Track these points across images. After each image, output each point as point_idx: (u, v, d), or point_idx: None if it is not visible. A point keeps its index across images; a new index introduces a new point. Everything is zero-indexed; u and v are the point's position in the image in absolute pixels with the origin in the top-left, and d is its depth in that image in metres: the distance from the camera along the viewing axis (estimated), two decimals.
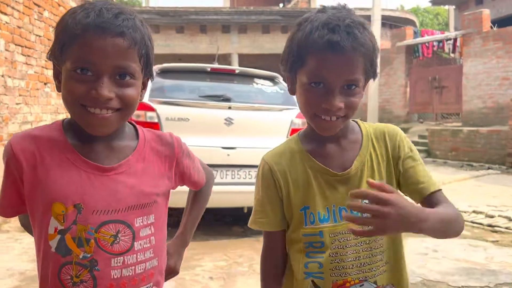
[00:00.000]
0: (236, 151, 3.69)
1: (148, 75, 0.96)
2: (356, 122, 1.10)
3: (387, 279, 1.03)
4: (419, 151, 8.45)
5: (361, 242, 1.00)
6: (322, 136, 1.03)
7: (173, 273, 1.14)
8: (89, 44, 0.82)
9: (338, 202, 1.01)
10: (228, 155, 3.66)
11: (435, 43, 12.91)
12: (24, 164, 0.89)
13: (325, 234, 1.00)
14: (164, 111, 3.69)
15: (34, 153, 0.89)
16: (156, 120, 3.65)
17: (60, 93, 0.89)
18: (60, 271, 0.88)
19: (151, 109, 3.67)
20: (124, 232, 0.92)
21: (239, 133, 3.76)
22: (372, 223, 0.79)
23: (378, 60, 1.08)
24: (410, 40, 13.31)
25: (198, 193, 1.21)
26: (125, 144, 0.97)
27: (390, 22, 16.32)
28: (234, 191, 3.68)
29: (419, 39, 13.39)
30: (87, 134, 0.91)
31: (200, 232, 4.22)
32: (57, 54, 0.87)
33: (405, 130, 11.97)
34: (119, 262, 0.91)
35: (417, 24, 18.32)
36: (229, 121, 3.77)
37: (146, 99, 3.74)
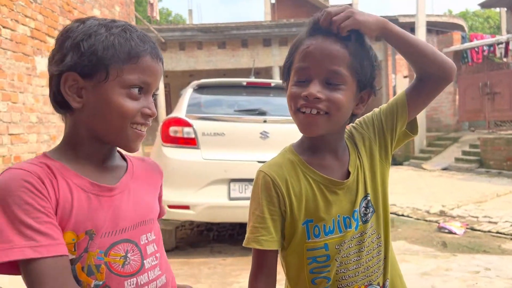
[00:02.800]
0: None
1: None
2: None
3: (384, 275, 1.03)
4: (470, 161, 8.10)
5: (363, 246, 0.99)
6: (323, 148, 1.01)
7: None
8: (150, 67, 0.91)
9: (343, 211, 0.99)
10: None
11: (485, 48, 12.31)
12: (43, 191, 0.80)
13: (330, 247, 0.97)
14: (200, 126, 3.72)
15: (45, 180, 0.82)
16: (193, 136, 3.68)
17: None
18: None
19: (188, 125, 3.70)
20: (133, 251, 0.90)
21: (275, 146, 3.68)
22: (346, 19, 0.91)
23: (378, 77, 1.06)
24: (457, 46, 12.78)
25: None
26: (117, 164, 0.98)
27: (437, 28, 15.80)
28: None
29: (467, 44, 12.83)
30: (81, 156, 0.90)
31: (239, 247, 4.19)
32: (87, 68, 0.85)
33: (455, 140, 11.47)
34: (133, 284, 0.88)
35: (466, 28, 17.60)
36: (264, 135, 3.74)
37: (183, 114, 3.79)
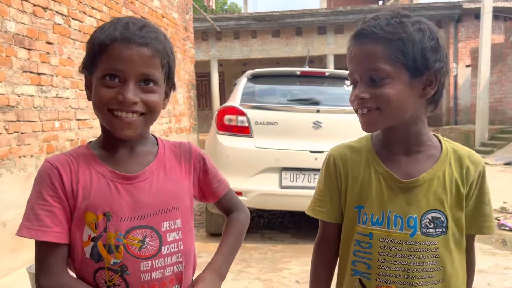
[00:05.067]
0: (324, 155, 3.61)
1: (170, 84, 1.02)
2: (438, 137, 1.05)
3: None
4: None
5: (413, 256, 0.97)
6: (393, 141, 1.02)
7: None
8: (117, 53, 0.90)
9: (395, 209, 0.99)
10: (316, 159, 3.63)
11: None
12: (64, 177, 0.94)
13: (374, 237, 0.99)
14: (254, 115, 3.78)
15: (71, 166, 0.95)
16: (246, 124, 3.75)
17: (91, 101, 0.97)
18: (95, 276, 0.94)
19: (242, 114, 3.78)
20: (151, 237, 0.96)
21: (327, 136, 3.70)
22: None
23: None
24: None
25: (233, 221, 1.16)
26: (147, 150, 1.03)
27: (505, 15, 14.83)
28: None
29: None
30: (112, 145, 0.99)
31: (289, 235, 4.26)
32: (88, 65, 0.95)
33: None
34: (148, 266, 0.95)
35: None
36: (317, 125, 3.74)
37: (237, 103, 3.88)
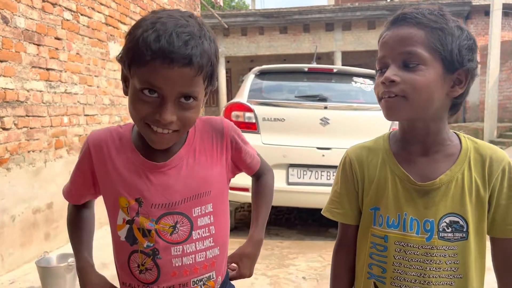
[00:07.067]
0: (331, 152, 3.63)
1: (211, 86, 0.97)
2: (458, 135, 1.01)
3: None
4: None
5: (430, 261, 0.94)
6: (411, 140, 0.98)
7: (241, 277, 1.15)
8: (158, 72, 0.83)
9: (411, 212, 0.96)
10: (323, 155, 3.63)
11: None
12: (94, 158, 0.99)
13: (390, 240, 0.97)
14: (261, 111, 3.78)
15: (103, 150, 0.99)
16: (253, 121, 3.75)
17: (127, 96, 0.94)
18: (129, 259, 0.98)
19: (250, 110, 3.78)
20: (183, 223, 0.97)
21: (335, 133, 3.70)
22: None
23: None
24: None
25: (260, 188, 1.22)
26: None
27: None
28: (329, 192, 3.59)
29: None
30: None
31: (296, 231, 4.26)
32: (125, 65, 0.90)
33: None
34: (179, 251, 0.96)
35: None
36: (325, 121, 3.73)
37: (244, 99, 3.88)
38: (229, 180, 1.09)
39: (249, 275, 1.16)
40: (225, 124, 1.06)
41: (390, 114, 0.94)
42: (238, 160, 1.09)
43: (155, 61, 0.82)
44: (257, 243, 1.16)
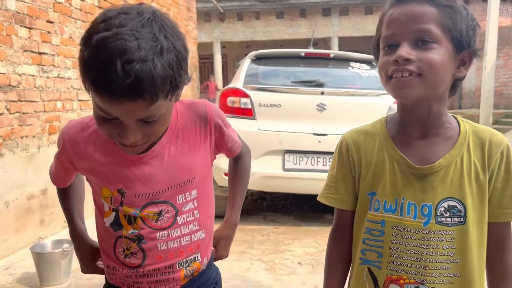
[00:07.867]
0: (327, 138, 3.61)
1: (178, 93, 0.87)
2: (456, 118, 0.99)
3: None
4: None
5: (427, 245, 0.92)
6: (411, 123, 0.96)
7: (219, 258, 1.20)
8: (110, 104, 0.77)
9: (409, 196, 0.94)
10: (320, 141, 3.61)
11: None
12: (70, 153, 0.98)
13: (387, 224, 0.96)
14: (257, 97, 3.74)
15: (80, 145, 0.97)
16: (249, 106, 3.72)
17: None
18: (115, 245, 0.98)
19: (245, 95, 3.74)
20: (167, 210, 0.97)
21: (331, 119, 3.67)
22: None
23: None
24: None
25: (238, 170, 1.22)
26: None
27: None
28: (325, 178, 3.59)
29: None
30: None
31: (292, 217, 4.27)
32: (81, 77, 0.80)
33: None
34: (164, 236, 0.97)
35: None
36: (321, 107, 3.71)
37: (240, 85, 3.84)
38: (212, 162, 1.08)
39: (226, 256, 1.22)
40: (208, 109, 1.02)
41: (401, 93, 0.91)
42: (220, 143, 1.07)
43: (104, 95, 0.75)
44: (233, 226, 1.22)
